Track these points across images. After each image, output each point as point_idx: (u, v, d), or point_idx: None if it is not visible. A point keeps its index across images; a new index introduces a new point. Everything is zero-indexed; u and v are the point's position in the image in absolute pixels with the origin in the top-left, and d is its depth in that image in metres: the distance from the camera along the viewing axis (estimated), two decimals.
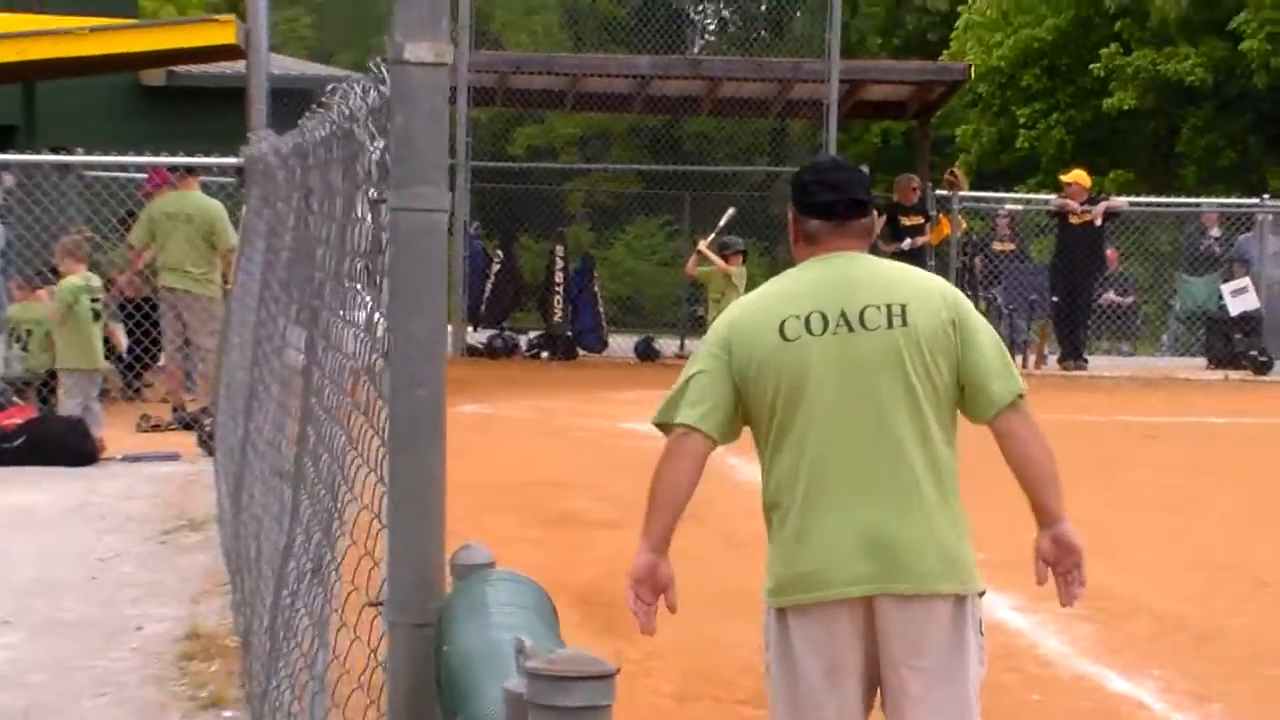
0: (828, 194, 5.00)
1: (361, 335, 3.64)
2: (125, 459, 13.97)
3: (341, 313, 4.26)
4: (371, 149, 3.43)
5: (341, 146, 3.99)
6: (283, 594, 4.99)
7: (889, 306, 4.84)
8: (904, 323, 4.82)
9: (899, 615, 4.81)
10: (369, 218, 3.41)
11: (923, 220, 22.18)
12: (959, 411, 4.91)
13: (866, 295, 4.87)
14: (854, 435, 4.81)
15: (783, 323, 4.88)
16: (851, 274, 4.92)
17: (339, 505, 3.84)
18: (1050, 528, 4.90)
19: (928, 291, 4.93)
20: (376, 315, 3.32)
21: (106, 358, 15.47)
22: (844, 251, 4.97)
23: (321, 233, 4.82)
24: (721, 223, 19.69)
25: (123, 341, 16.26)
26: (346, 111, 3.71)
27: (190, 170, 16.00)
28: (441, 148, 3.05)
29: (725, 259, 18.56)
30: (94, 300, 14.76)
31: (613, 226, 32.43)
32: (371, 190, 3.35)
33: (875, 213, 5.09)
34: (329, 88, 4.15)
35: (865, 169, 5.45)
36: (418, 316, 3.04)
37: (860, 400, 4.82)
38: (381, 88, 3.16)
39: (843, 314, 4.85)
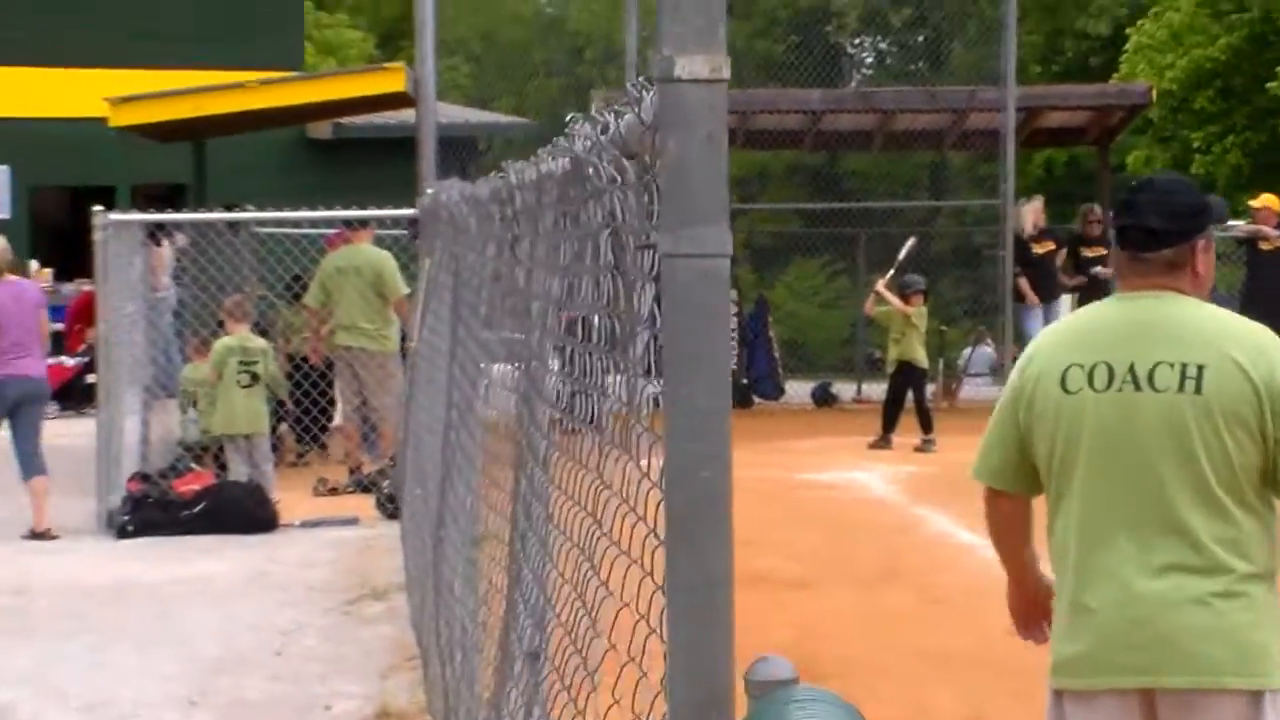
0: (1125, 217, 4.40)
1: (617, 405, 3.11)
2: (304, 524, 13.63)
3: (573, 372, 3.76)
4: (618, 185, 2.93)
5: (577, 184, 3.49)
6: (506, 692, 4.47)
7: (1184, 367, 4.22)
8: (1197, 389, 4.19)
9: (1178, 712, 4.21)
10: (633, 267, 2.90)
11: (1105, 252, 21.43)
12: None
13: (1162, 349, 4.26)
14: (1130, 512, 4.25)
15: (1066, 371, 4.33)
16: (1152, 321, 4.30)
17: (591, 604, 3.31)
18: None
19: (1238, 349, 4.24)
20: (642, 383, 2.82)
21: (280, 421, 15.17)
22: (1152, 291, 4.34)
23: (538, 286, 4.32)
24: (901, 256, 19.14)
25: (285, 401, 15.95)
26: (593, 142, 3.20)
27: (363, 223, 15.70)
28: (722, 180, 2.56)
29: (905, 299, 18.00)
30: (252, 362, 14.36)
31: (774, 268, 31.92)
32: (638, 235, 2.83)
33: (1197, 239, 4.37)
34: (568, 117, 3.63)
35: (1208, 196, 4.63)
36: (700, 382, 2.54)
37: (1138, 475, 4.24)
38: (641, 112, 2.65)
39: (1131, 369, 4.26)
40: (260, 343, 14.79)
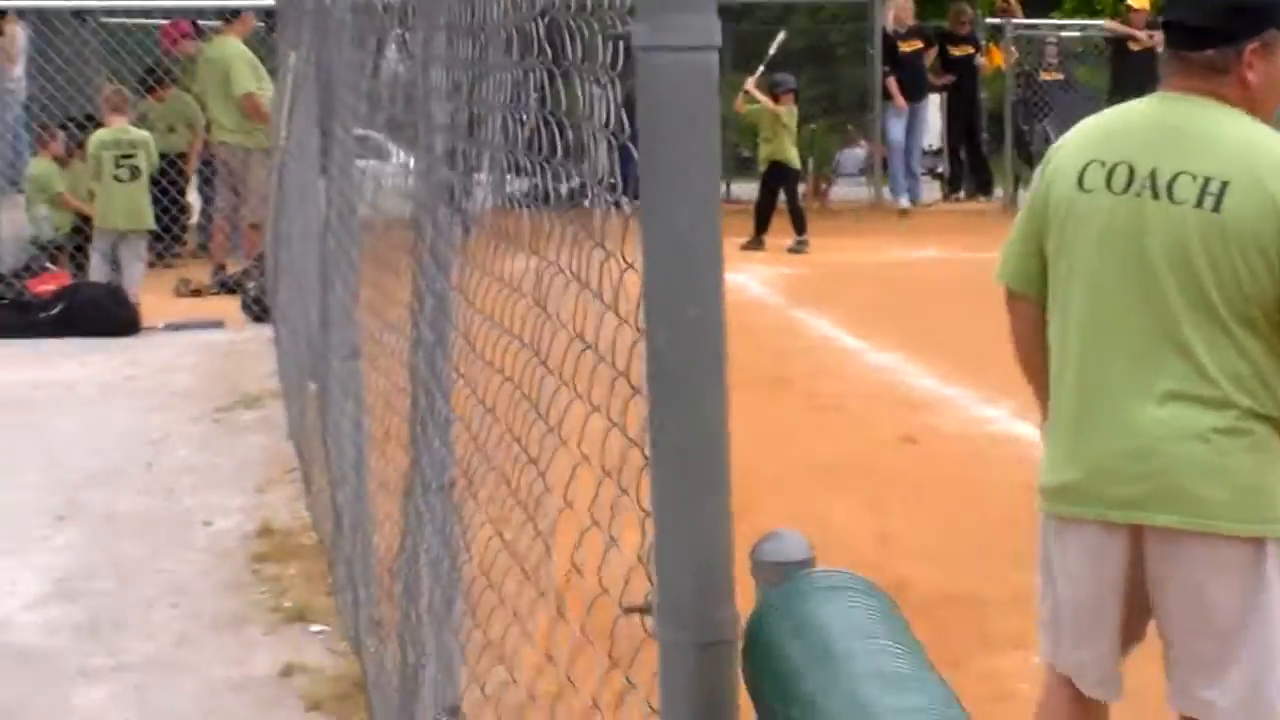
0: (1169, 10, 4.03)
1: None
2: (167, 327, 13.20)
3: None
4: None
5: None
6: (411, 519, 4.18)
7: (1206, 180, 3.82)
8: (1216, 206, 3.80)
9: (1166, 552, 3.92)
10: (590, 62, 2.53)
11: (973, 51, 21.25)
12: None
13: (1189, 159, 3.87)
14: (1133, 331, 3.91)
15: (1085, 167, 3.98)
16: (1183, 127, 3.91)
17: (536, 453, 2.98)
18: None
19: (1270, 171, 3.83)
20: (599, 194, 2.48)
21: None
22: (1192, 95, 3.93)
23: (437, 82, 3.92)
24: (771, 51, 18.78)
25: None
26: None
27: (235, 15, 15.11)
28: None
29: (775, 98, 17.72)
30: (128, 156, 13.84)
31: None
32: (602, 21, 2.47)
33: (1245, 43, 3.94)
34: None
35: None
36: (687, 203, 2.20)
37: (1144, 290, 3.89)
38: None
39: (1152, 174, 3.88)
40: (139, 134, 14.22)
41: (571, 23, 2.65)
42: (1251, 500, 3.86)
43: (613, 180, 2.47)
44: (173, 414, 10.35)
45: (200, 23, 16.94)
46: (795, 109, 18.10)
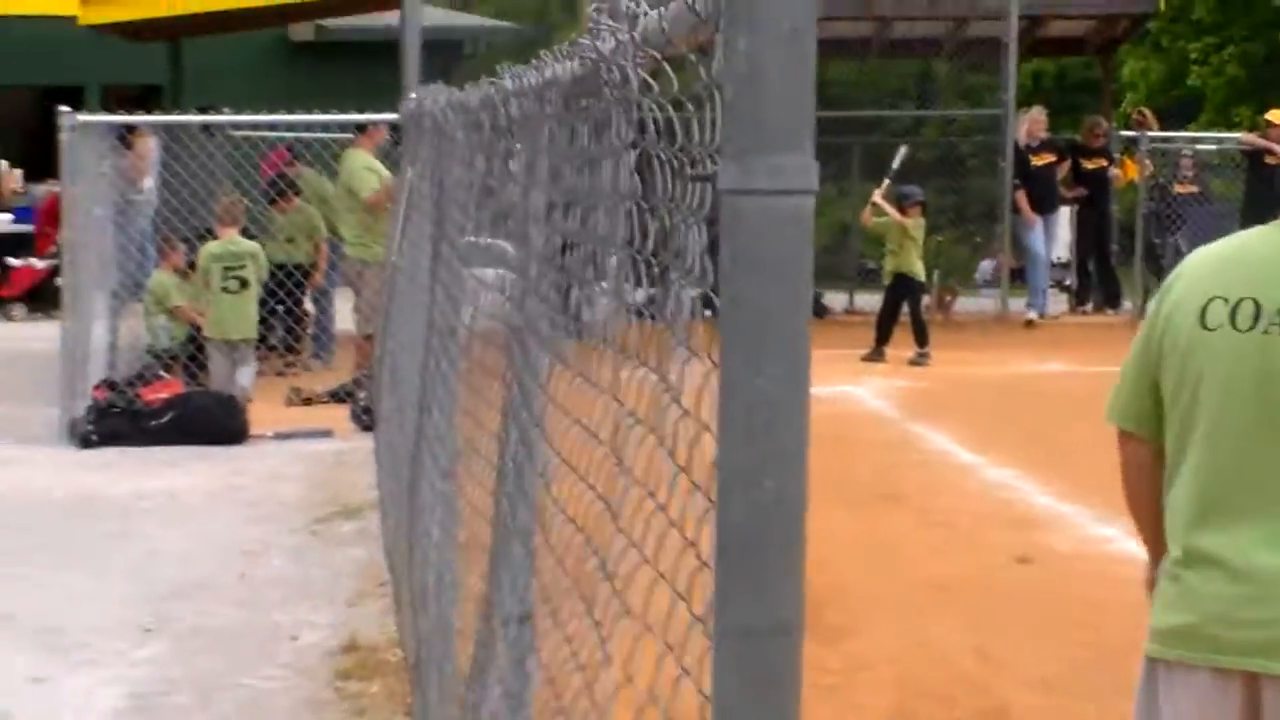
0: None
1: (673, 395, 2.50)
2: (276, 436, 13.11)
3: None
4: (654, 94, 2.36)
5: (597, 91, 2.88)
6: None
7: None
8: None
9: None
10: (680, 201, 2.31)
11: (1106, 164, 20.88)
12: None
13: None
14: (1259, 474, 3.62)
15: (1208, 304, 3.68)
16: None
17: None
18: None
19: None
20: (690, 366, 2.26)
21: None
22: None
23: (534, 207, 3.74)
24: (895, 163, 18.60)
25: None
26: (618, 39, 2.61)
27: (360, 128, 15.19)
28: (809, 92, 1.98)
29: (903, 210, 17.48)
30: (237, 267, 13.98)
31: None
32: (692, 160, 2.25)
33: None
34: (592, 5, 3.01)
35: None
36: (773, 365, 1.98)
37: (1273, 432, 3.61)
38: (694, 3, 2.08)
39: None
40: (248, 245, 14.46)
41: (661, 156, 2.46)
42: None
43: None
44: (273, 525, 10.21)
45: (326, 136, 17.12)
46: (922, 221, 17.86)
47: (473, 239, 5.66)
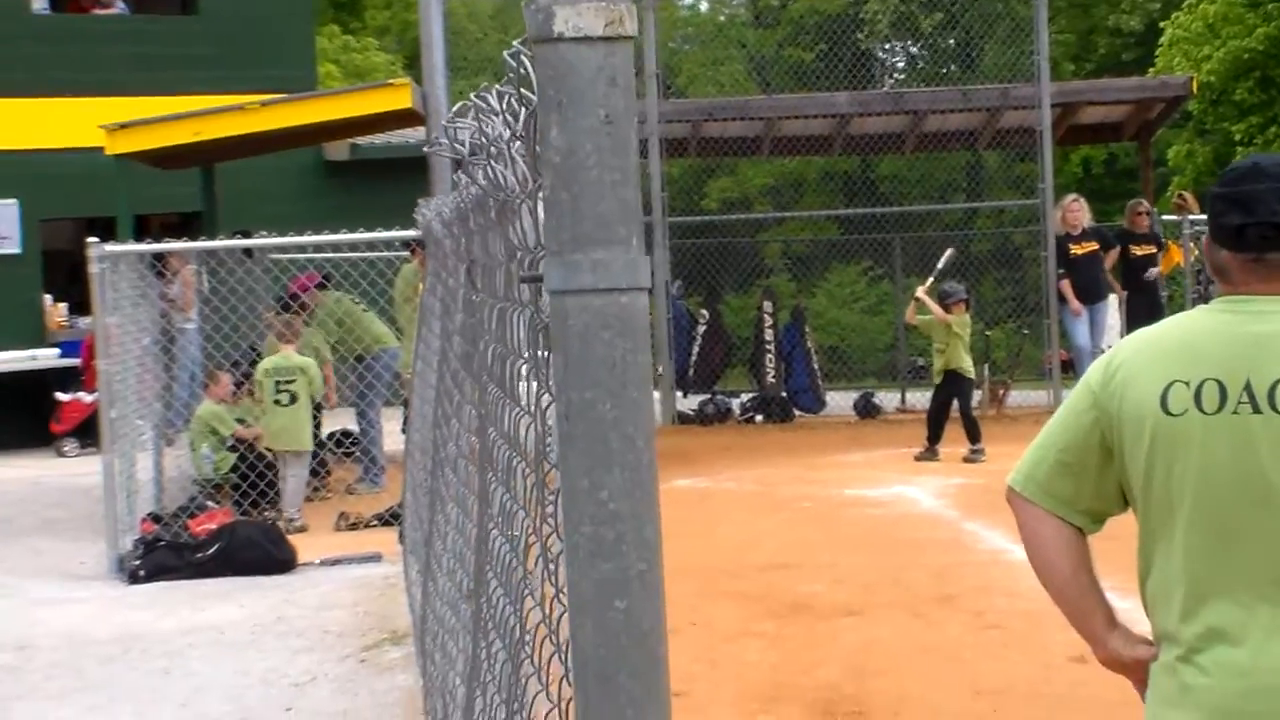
0: (1236, 214, 3.60)
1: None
2: (323, 563, 12.99)
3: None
4: (517, 194, 2.23)
5: (494, 199, 2.78)
6: None
7: None
8: None
9: None
10: (529, 305, 2.19)
11: (1155, 249, 20.67)
12: None
13: None
14: (1253, 561, 3.52)
15: (1167, 389, 3.60)
16: (1265, 331, 3.57)
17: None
18: None
19: None
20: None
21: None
22: (1264, 296, 3.60)
23: (484, 318, 3.67)
24: (940, 265, 18.49)
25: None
26: (492, 137, 2.49)
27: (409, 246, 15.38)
28: (629, 181, 1.83)
29: (947, 308, 17.32)
30: (289, 381, 14.43)
31: (812, 275, 31.30)
32: (524, 262, 2.12)
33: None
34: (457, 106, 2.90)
35: None
36: (608, 475, 1.82)
37: (1263, 515, 3.50)
38: (524, 91, 1.95)
39: (1248, 386, 3.52)
40: (300, 360, 14.81)
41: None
42: None
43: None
44: (320, 654, 10.07)
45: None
46: (967, 318, 17.69)
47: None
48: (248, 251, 17.04)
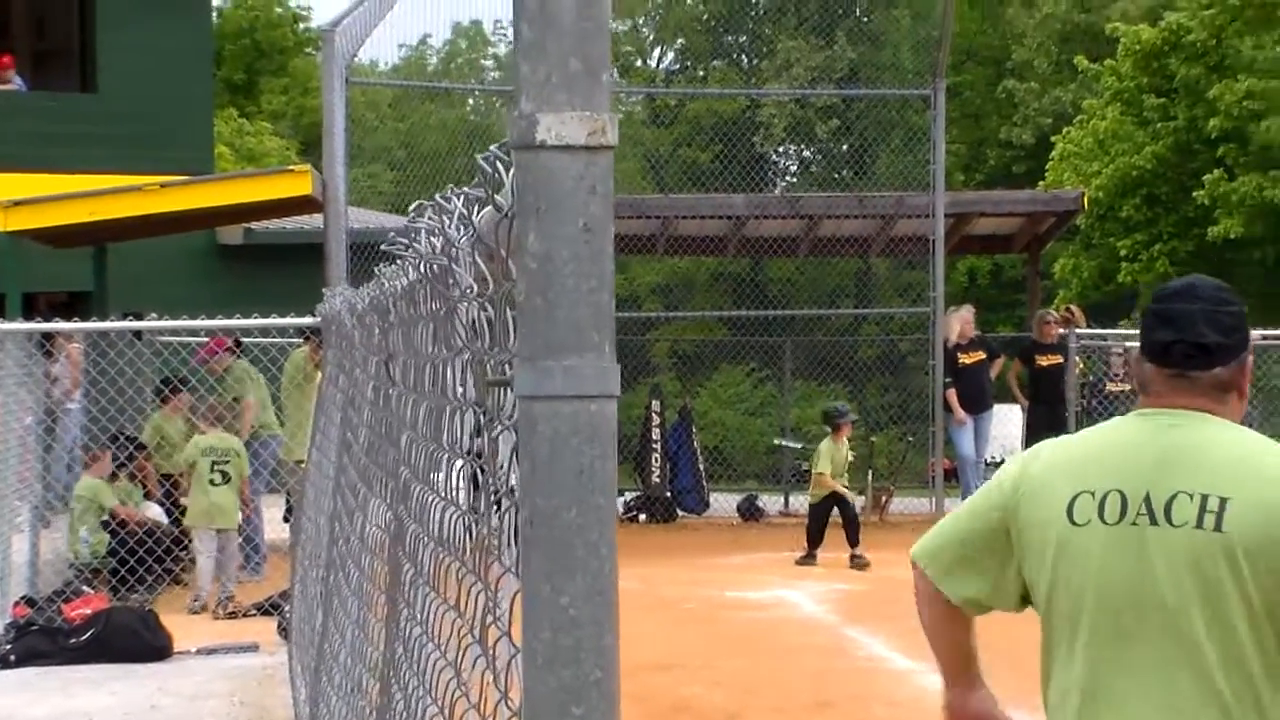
0: (1163, 331, 3.68)
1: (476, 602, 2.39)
2: (199, 652, 12.80)
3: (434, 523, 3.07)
4: (475, 295, 2.23)
5: (434, 294, 2.78)
6: None
7: (1204, 499, 3.51)
8: (1217, 525, 3.48)
9: None
10: (483, 407, 2.18)
11: (1062, 360, 20.75)
12: None
13: (1183, 477, 3.56)
14: (1149, 676, 3.54)
15: (1074, 499, 3.65)
16: (1174, 444, 3.61)
17: None
18: None
19: (1272, 481, 3.53)
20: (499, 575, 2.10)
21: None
22: (1181, 410, 3.66)
23: (407, 413, 3.64)
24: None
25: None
26: (442, 240, 2.49)
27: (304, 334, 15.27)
28: (605, 288, 1.85)
29: (837, 428, 17.35)
30: (224, 462, 14.79)
31: (699, 375, 31.40)
32: (493, 366, 2.12)
33: (1245, 356, 3.73)
34: (412, 206, 2.92)
35: (1233, 301, 3.78)
36: (572, 584, 1.81)
37: (1158, 631, 3.53)
38: (498, 196, 1.96)
39: (1146, 499, 3.57)
40: (234, 442, 15.12)
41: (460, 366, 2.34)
42: None
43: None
44: None
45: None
46: (846, 443, 17.75)
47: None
48: (137, 333, 16.88)
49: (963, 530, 3.89)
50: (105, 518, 14.90)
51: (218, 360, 16.32)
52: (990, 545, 3.81)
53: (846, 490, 17.31)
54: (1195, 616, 3.49)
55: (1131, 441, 3.68)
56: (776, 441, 18.12)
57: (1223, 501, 3.50)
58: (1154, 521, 3.55)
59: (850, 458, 17.68)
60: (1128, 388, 21.82)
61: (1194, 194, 34.39)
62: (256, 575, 15.84)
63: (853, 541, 16.92)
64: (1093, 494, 3.63)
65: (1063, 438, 3.90)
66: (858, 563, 16.70)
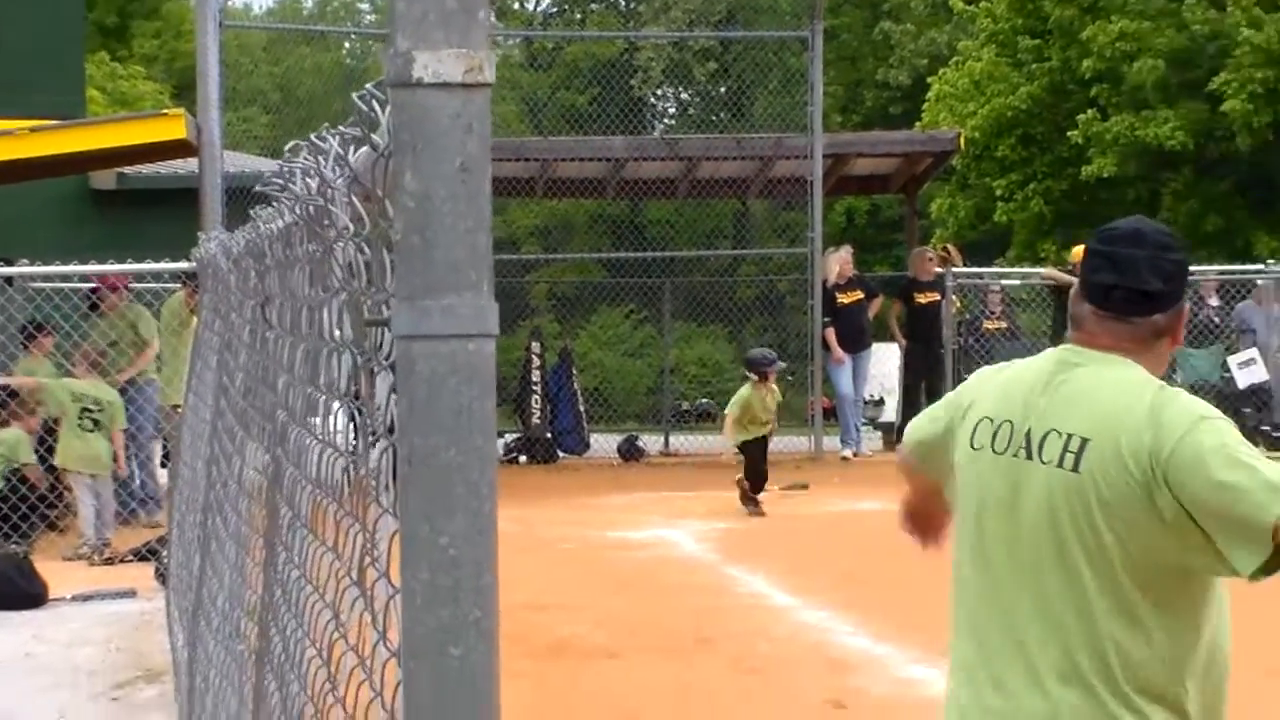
0: (1106, 274, 3.67)
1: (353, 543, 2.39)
2: (75, 599, 12.70)
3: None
4: (352, 235, 2.23)
5: (311, 235, 2.76)
6: None
7: (1068, 438, 3.57)
8: (1075, 466, 3.53)
9: None
10: (359, 348, 2.17)
11: (939, 298, 20.91)
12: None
13: (1061, 416, 3.61)
14: (1006, 604, 3.65)
15: (978, 423, 3.77)
16: (1068, 381, 3.64)
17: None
18: None
19: (1130, 430, 3.52)
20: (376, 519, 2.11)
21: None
22: (1102, 351, 3.66)
23: (284, 357, 3.63)
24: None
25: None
26: (318, 181, 2.48)
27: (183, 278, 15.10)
28: (483, 227, 1.84)
29: (764, 375, 16.87)
30: (97, 411, 14.64)
31: (577, 318, 31.44)
32: (370, 306, 2.12)
33: (1181, 304, 3.71)
34: (287, 146, 2.91)
35: (1177, 248, 3.77)
36: (451, 522, 1.82)
37: (1018, 560, 3.63)
38: (374, 135, 1.95)
39: (1028, 433, 3.65)
40: (110, 394, 14.95)
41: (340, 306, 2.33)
42: None
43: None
44: (70, 692, 9.84)
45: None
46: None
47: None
48: (8, 279, 16.65)
49: (924, 430, 4.08)
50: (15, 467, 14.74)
51: (116, 298, 16.12)
52: (944, 445, 3.92)
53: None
54: (1047, 553, 3.56)
55: (1038, 376, 3.72)
56: None
57: (1083, 443, 3.54)
58: (1029, 456, 3.62)
59: (779, 399, 17.31)
60: (1004, 325, 22.07)
61: (1068, 134, 34.73)
62: (154, 516, 15.78)
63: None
64: (991, 420, 3.73)
65: (996, 365, 3.99)
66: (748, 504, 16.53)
